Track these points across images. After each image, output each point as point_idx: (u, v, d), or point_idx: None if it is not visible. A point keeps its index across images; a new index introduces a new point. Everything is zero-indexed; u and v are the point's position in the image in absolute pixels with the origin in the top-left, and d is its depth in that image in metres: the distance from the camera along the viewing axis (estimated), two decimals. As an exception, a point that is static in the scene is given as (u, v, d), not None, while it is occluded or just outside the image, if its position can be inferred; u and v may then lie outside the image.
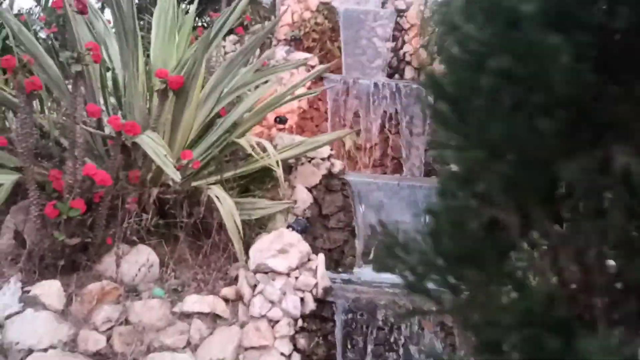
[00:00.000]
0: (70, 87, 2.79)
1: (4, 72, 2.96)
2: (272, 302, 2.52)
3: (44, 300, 2.40)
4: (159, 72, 2.70)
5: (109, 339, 2.43)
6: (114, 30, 3.05)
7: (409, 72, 5.70)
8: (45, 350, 2.30)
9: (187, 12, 3.53)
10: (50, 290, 2.44)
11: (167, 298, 2.62)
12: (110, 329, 2.47)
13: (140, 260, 2.74)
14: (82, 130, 2.67)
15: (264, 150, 3.08)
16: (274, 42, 5.60)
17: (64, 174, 2.62)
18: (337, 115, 4.52)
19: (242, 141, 3.03)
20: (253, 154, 3.00)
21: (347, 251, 3.51)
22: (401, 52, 5.74)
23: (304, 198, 3.43)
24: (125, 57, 2.89)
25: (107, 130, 2.82)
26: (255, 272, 2.58)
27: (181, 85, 2.72)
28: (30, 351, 2.29)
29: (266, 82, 3.53)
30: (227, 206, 2.89)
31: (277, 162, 3.03)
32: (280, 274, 2.55)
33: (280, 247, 2.57)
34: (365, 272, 3.32)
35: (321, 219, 3.50)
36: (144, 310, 2.53)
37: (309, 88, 4.74)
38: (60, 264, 2.60)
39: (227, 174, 3.11)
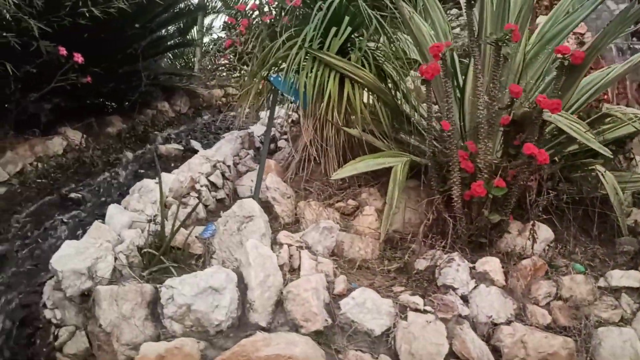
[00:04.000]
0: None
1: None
2: None
3: (492, 276, 2.49)
4: (561, 48, 2.68)
5: (549, 313, 2.49)
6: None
7: (649, 34, 5.41)
8: (507, 323, 2.39)
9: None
10: (493, 266, 2.52)
11: (589, 273, 2.64)
12: (547, 303, 2.53)
13: (539, 236, 2.78)
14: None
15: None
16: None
17: (476, 154, 2.68)
18: (613, 85, 4.35)
19: (617, 112, 2.98)
20: (629, 122, 2.95)
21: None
22: (637, 13, 5.45)
23: (643, 170, 3.34)
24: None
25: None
26: (687, 246, 2.55)
27: (582, 60, 2.69)
28: (493, 324, 2.39)
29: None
30: (610, 181, 2.87)
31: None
32: None
33: None
34: None
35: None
36: (573, 285, 2.56)
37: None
38: (482, 242, 2.69)
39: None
